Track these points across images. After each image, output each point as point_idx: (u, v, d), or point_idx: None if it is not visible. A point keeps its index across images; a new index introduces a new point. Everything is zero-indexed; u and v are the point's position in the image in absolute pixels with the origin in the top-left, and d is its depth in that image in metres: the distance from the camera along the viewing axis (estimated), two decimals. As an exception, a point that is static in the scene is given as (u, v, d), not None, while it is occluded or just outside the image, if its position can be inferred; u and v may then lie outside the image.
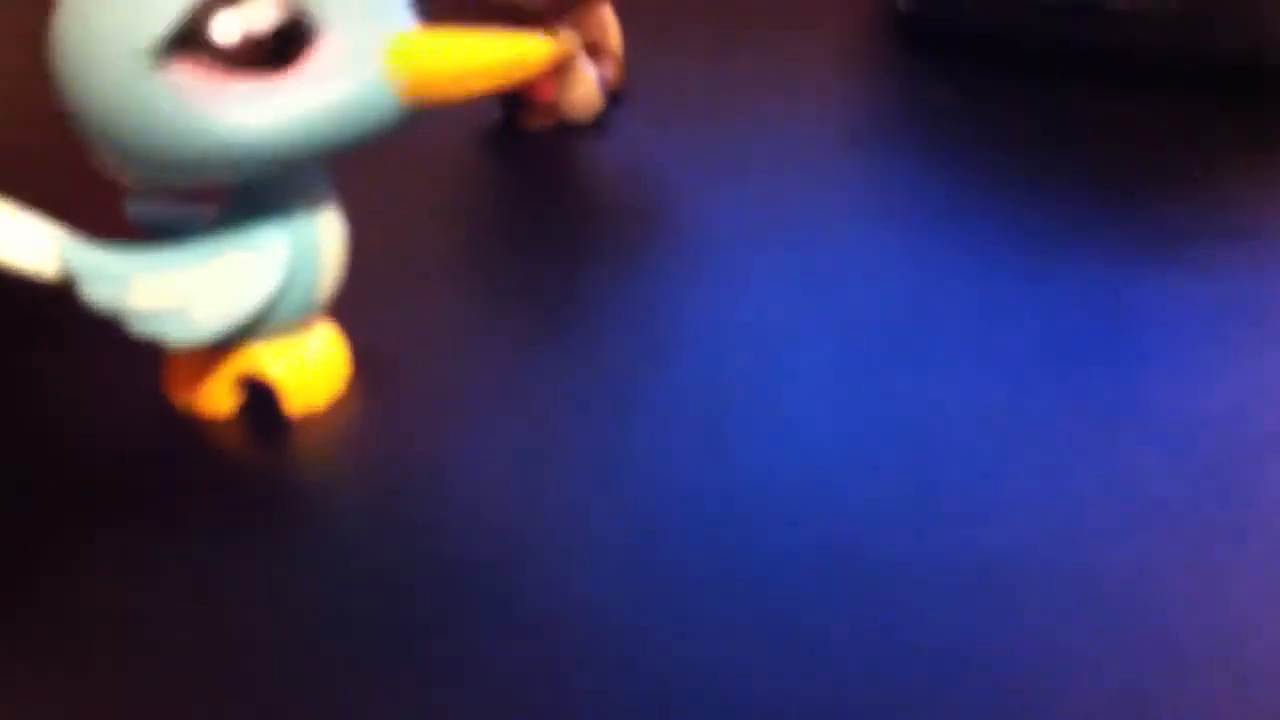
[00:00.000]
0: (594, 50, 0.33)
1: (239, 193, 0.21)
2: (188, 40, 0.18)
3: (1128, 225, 0.28)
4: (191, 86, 0.18)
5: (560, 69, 0.32)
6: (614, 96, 0.34)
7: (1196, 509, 0.20)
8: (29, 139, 0.31)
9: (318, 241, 0.21)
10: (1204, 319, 0.25)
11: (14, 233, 0.21)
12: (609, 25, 0.34)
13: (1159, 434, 0.21)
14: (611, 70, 0.34)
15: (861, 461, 0.21)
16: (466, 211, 0.30)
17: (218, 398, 0.22)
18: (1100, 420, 0.22)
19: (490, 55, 0.19)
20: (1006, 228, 0.28)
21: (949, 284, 0.26)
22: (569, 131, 0.33)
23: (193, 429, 0.22)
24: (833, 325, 0.25)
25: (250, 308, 0.21)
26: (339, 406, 0.23)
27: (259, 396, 0.22)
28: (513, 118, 0.33)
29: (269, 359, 0.22)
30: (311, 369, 0.22)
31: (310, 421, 0.22)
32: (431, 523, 0.20)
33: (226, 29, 0.18)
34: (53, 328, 0.24)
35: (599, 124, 0.33)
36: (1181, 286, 0.26)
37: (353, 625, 0.18)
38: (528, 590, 0.19)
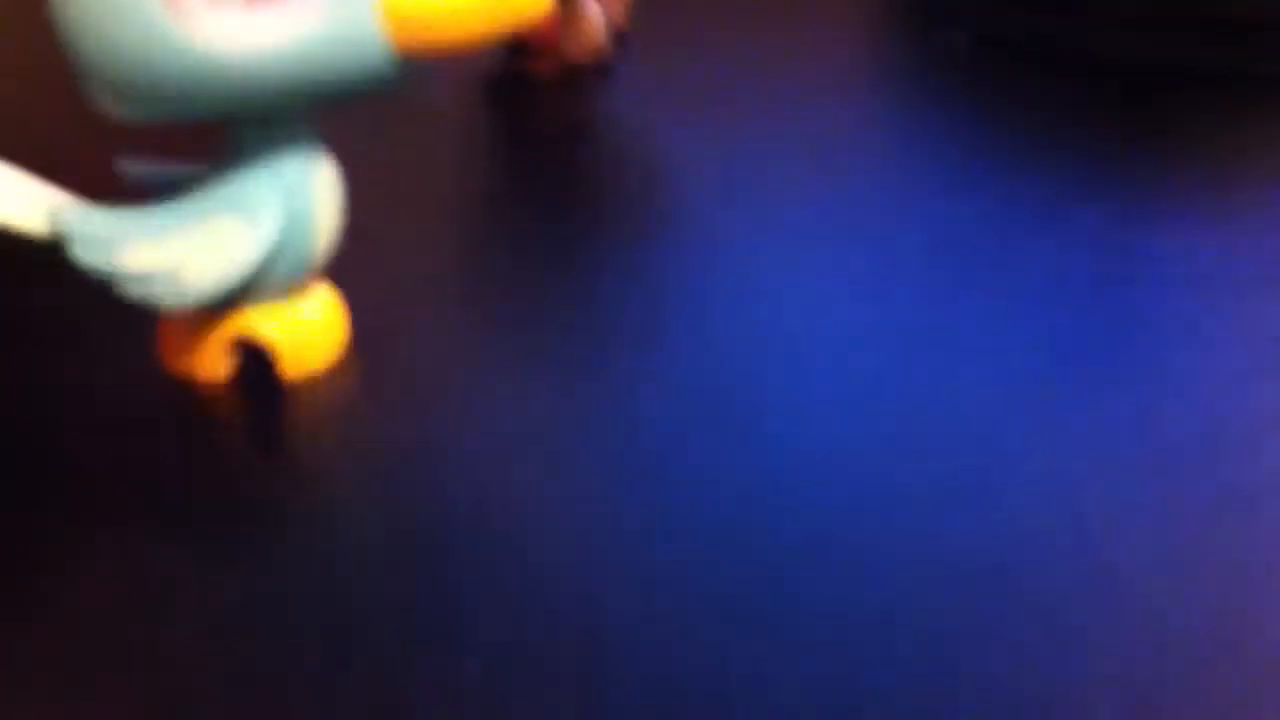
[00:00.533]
0: None
1: (232, 152, 0.20)
2: None
3: (1138, 181, 0.27)
4: (181, 8, 0.18)
5: (563, 8, 0.32)
6: (620, 39, 0.33)
7: (1202, 463, 0.19)
8: (22, 97, 0.31)
9: (312, 203, 0.21)
10: (1217, 268, 0.24)
11: (7, 192, 0.20)
12: None
13: (1174, 393, 0.21)
14: (617, 10, 0.33)
15: (873, 442, 0.20)
16: (466, 170, 0.29)
17: (213, 362, 0.22)
18: (1114, 386, 0.21)
19: (485, 3, 0.18)
20: (1023, 184, 0.27)
21: (961, 255, 0.25)
22: (572, 78, 0.32)
23: (187, 395, 0.22)
24: (844, 295, 0.24)
25: (242, 270, 0.20)
26: (336, 371, 0.22)
27: (255, 360, 0.22)
28: (514, 61, 0.33)
29: (264, 322, 0.21)
30: (308, 333, 0.22)
31: (306, 386, 0.22)
32: (425, 499, 0.20)
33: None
34: (47, 297, 0.24)
35: (604, 69, 0.32)
36: (1187, 238, 0.25)
37: (351, 603, 0.18)
38: (522, 576, 0.18)
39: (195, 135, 0.21)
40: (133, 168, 0.22)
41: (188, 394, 0.22)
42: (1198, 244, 0.25)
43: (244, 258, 0.20)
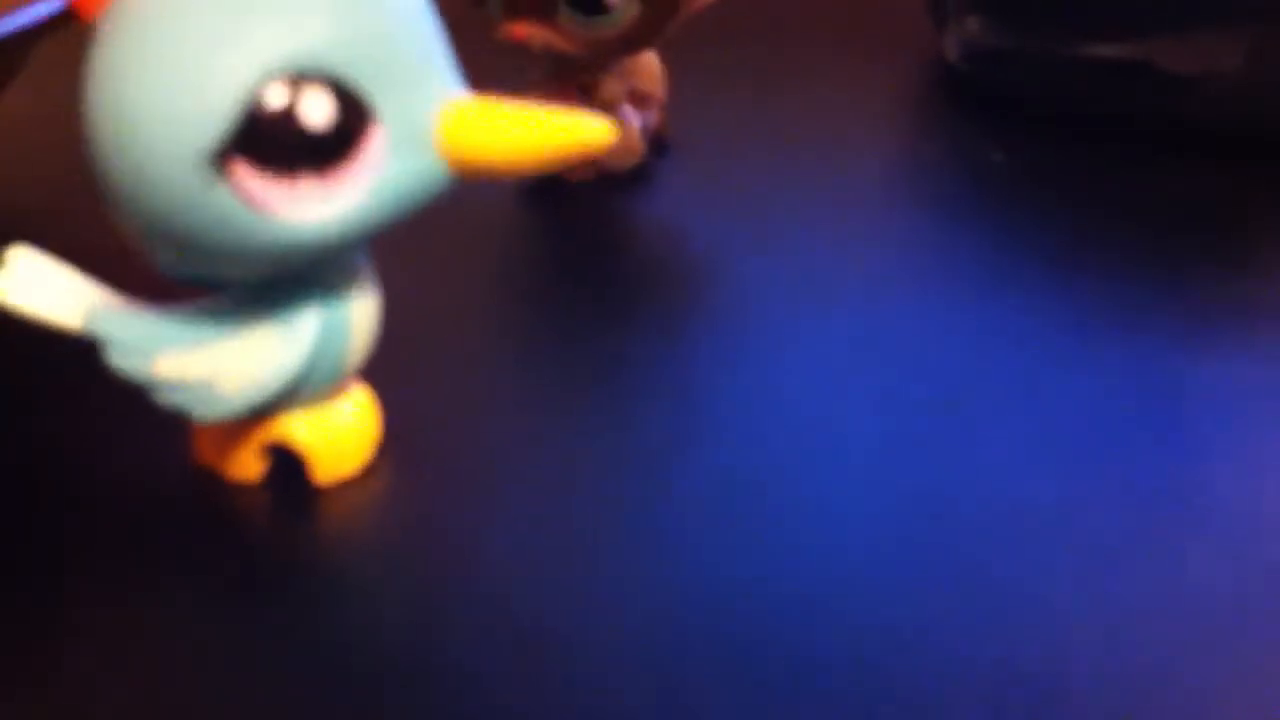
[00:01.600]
0: (638, 98, 0.32)
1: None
2: (246, 139, 0.17)
3: (1185, 303, 0.27)
4: (253, 189, 0.17)
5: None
6: (658, 146, 0.33)
7: (1256, 609, 0.19)
8: (65, 189, 0.30)
9: (349, 314, 0.20)
10: (1265, 405, 0.24)
11: (43, 285, 0.20)
12: (654, 71, 0.32)
13: (1217, 529, 0.21)
14: (656, 118, 0.33)
15: (899, 553, 0.20)
16: (502, 272, 0.29)
17: (245, 463, 0.22)
18: (1154, 513, 0.21)
19: (547, 134, 0.18)
20: (1056, 300, 0.27)
21: (995, 359, 0.25)
22: (609, 183, 0.32)
23: (218, 493, 0.22)
24: (874, 404, 0.24)
25: (277, 385, 0.20)
26: (368, 475, 0.22)
27: (287, 462, 0.22)
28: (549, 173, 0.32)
29: (298, 426, 0.21)
30: (341, 437, 0.22)
31: (338, 490, 0.22)
32: (452, 604, 0.20)
33: (278, 103, 0.17)
34: (79, 384, 0.23)
35: (641, 175, 0.32)
36: (1241, 369, 0.25)
37: (374, 697, 0.18)
38: (544, 683, 0.18)
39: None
40: (168, 264, 0.21)
41: (218, 490, 0.22)
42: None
43: (280, 371, 0.20)
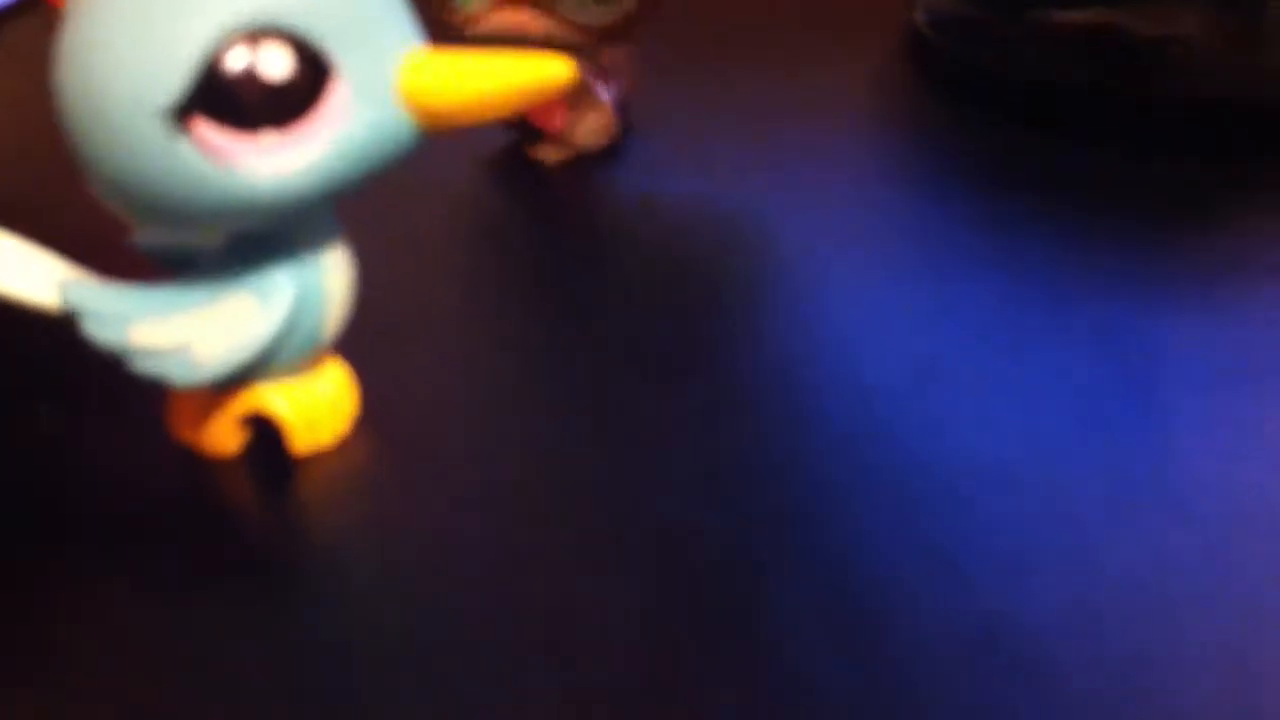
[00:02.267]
0: (608, 73, 0.32)
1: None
2: (206, 95, 0.17)
3: (1151, 268, 0.27)
4: (215, 143, 0.17)
5: (573, 96, 0.32)
6: (626, 118, 0.33)
7: (1221, 574, 0.19)
8: (32, 171, 0.31)
9: (324, 281, 0.21)
10: (1227, 363, 0.24)
11: (17, 267, 0.20)
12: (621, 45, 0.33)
13: (1187, 491, 0.21)
14: (624, 92, 0.33)
15: (874, 527, 0.20)
16: (478, 248, 0.29)
17: (222, 436, 0.22)
18: (1124, 477, 0.21)
19: (507, 76, 0.18)
20: (1024, 270, 0.27)
21: (964, 330, 0.25)
22: (582, 159, 0.32)
23: (196, 467, 0.22)
24: (843, 379, 0.24)
25: (254, 349, 0.20)
26: (345, 447, 0.22)
27: (265, 435, 0.22)
28: (522, 146, 0.32)
29: (275, 397, 0.21)
30: (319, 408, 0.22)
31: (316, 461, 0.22)
32: (431, 577, 0.20)
33: (238, 62, 0.17)
34: (55, 362, 0.23)
35: (612, 151, 0.32)
36: (1206, 331, 0.25)
37: (352, 677, 0.18)
38: (523, 658, 0.18)
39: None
40: (144, 240, 0.21)
41: (196, 465, 0.22)
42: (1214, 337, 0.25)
43: (256, 336, 0.20)
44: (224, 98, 0.17)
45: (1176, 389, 0.23)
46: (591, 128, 0.32)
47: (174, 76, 0.17)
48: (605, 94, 0.32)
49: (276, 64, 0.17)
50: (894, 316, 0.26)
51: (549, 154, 0.32)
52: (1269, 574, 0.19)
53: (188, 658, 0.18)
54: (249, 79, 0.17)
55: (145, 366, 0.20)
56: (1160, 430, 0.22)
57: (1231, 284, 0.26)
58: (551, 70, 0.18)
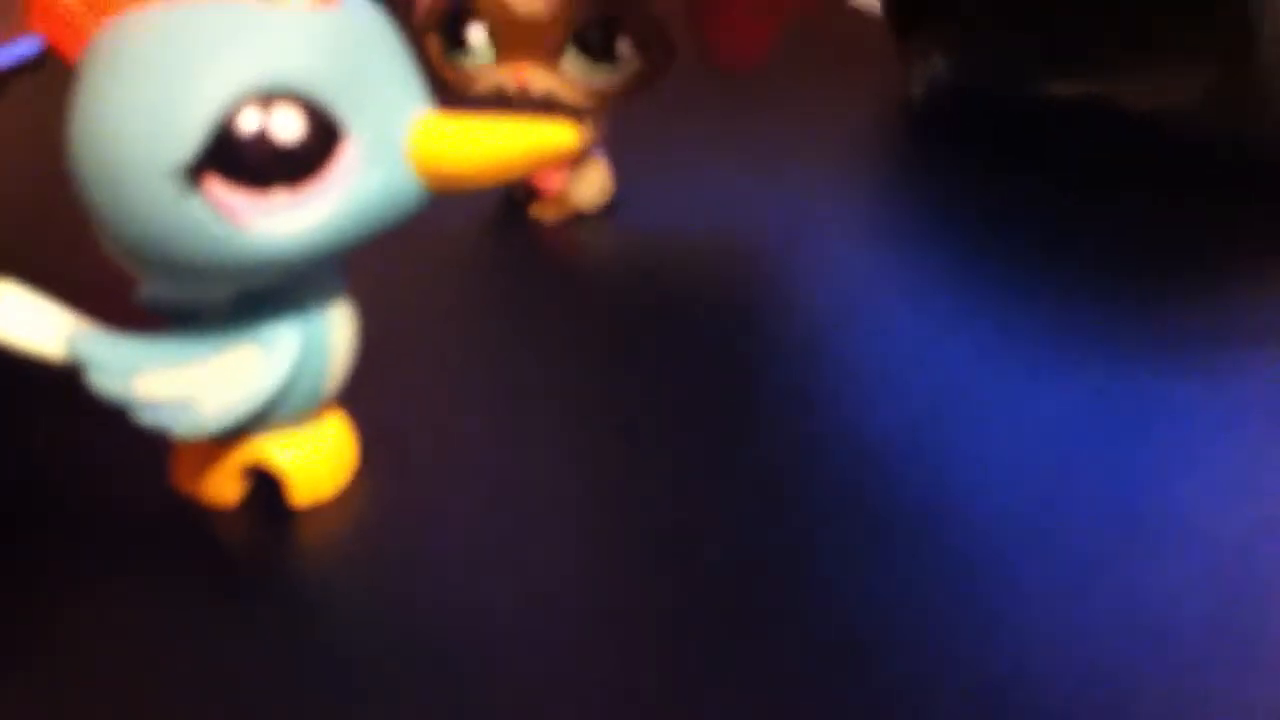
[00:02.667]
0: (608, 134, 0.32)
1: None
2: (218, 155, 0.18)
3: (1150, 328, 0.27)
4: (226, 202, 0.18)
5: (572, 158, 0.32)
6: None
7: (1218, 626, 0.19)
8: (39, 221, 0.31)
9: (328, 334, 0.21)
10: (1228, 421, 0.24)
11: (23, 316, 0.21)
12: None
13: (1179, 551, 0.21)
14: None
15: (871, 578, 0.21)
16: (475, 298, 0.29)
17: (223, 486, 0.22)
18: (1120, 533, 0.21)
19: (514, 142, 0.19)
20: (1024, 328, 0.27)
21: (966, 383, 0.25)
22: (578, 217, 0.33)
23: (196, 516, 0.22)
24: (848, 427, 0.24)
25: (257, 402, 0.20)
26: (345, 498, 0.22)
27: (265, 485, 0.22)
28: (519, 205, 0.33)
29: (276, 448, 0.22)
30: (319, 459, 0.22)
31: (315, 512, 0.22)
32: (429, 628, 0.20)
33: (250, 123, 0.18)
34: (58, 406, 0.23)
35: (609, 207, 0.33)
36: (1206, 392, 0.25)
37: (353, 678, 0.18)
38: (527, 701, 0.18)
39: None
40: (150, 293, 0.22)
41: (196, 514, 0.22)
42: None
43: (260, 388, 0.20)
44: (236, 158, 0.18)
45: (1169, 445, 0.24)
46: (590, 188, 0.32)
47: (187, 136, 0.17)
48: (603, 156, 0.32)
49: (288, 125, 0.18)
50: (891, 363, 0.26)
51: (547, 213, 0.32)
52: (1262, 624, 0.19)
53: (188, 664, 0.19)
54: (261, 140, 0.18)
55: (148, 417, 0.20)
56: (1156, 484, 0.23)
57: (1229, 344, 0.27)
58: (558, 137, 0.18)
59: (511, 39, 0.29)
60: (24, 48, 0.27)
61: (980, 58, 0.37)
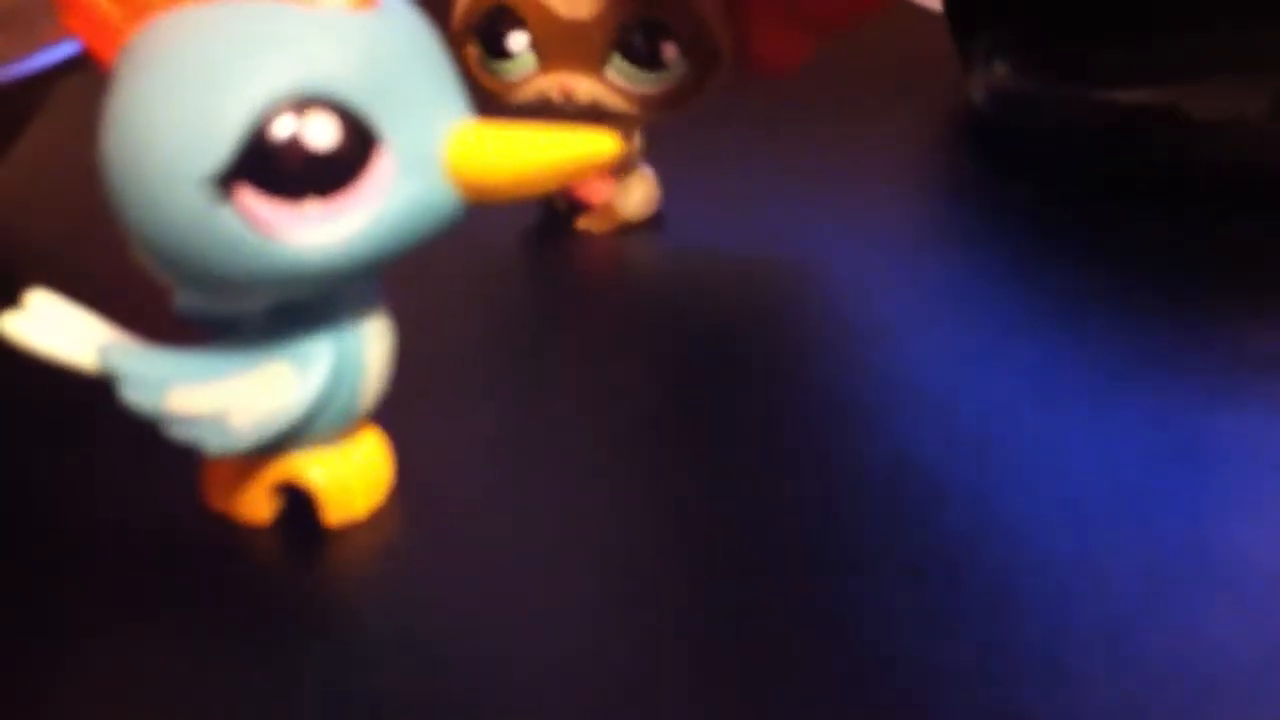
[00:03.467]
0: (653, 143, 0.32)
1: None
2: (251, 163, 0.17)
3: (1206, 355, 0.26)
4: (258, 212, 0.17)
5: (618, 168, 0.31)
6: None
7: (1275, 667, 0.18)
8: (75, 230, 0.31)
9: (363, 350, 0.20)
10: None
11: (56, 326, 0.20)
12: None
13: (1235, 588, 0.20)
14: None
15: (911, 610, 0.20)
16: (515, 313, 0.29)
17: (256, 503, 0.21)
18: (1170, 571, 0.20)
19: (554, 152, 0.18)
20: (1078, 349, 0.26)
21: (1014, 408, 0.24)
22: (624, 229, 0.32)
23: (227, 535, 0.21)
24: (890, 453, 0.23)
25: (290, 418, 0.20)
26: (379, 518, 0.22)
27: (298, 503, 0.21)
28: (562, 217, 0.32)
29: (310, 466, 0.21)
30: (353, 478, 0.21)
31: (349, 532, 0.21)
32: (463, 651, 0.19)
33: (284, 130, 0.17)
34: (88, 424, 0.23)
35: (654, 218, 0.32)
36: (1261, 424, 0.24)
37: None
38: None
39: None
40: (183, 304, 0.21)
41: (228, 532, 0.21)
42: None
43: (293, 404, 0.20)
44: (269, 166, 0.17)
45: (1226, 478, 0.22)
46: (637, 200, 0.31)
47: (219, 144, 0.17)
48: (649, 167, 0.32)
49: (322, 133, 0.17)
50: (938, 383, 0.25)
51: (592, 225, 0.32)
52: None
53: (206, 710, 0.18)
54: (294, 148, 0.17)
55: (180, 433, 0.20)
56: (1206, 519, 0.21)
57: None
58: (599, 146, 0.18)
59: (554, 45, 0.29)
60: (66, 49, 0.26)
61: (1044, 63, 0.36)
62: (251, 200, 0.17)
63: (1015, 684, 0.18)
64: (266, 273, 0.18)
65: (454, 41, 0.29)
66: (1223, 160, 0.32)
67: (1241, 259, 0.30)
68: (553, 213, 0.32)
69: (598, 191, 0.31)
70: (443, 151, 0.18)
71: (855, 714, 0.18)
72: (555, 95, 0.29)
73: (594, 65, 0.29)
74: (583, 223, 0.32)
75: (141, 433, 0.20)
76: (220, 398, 0.20)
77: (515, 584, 0.20)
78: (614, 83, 0.29)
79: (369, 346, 0.20)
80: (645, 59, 0.28)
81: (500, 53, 0.29)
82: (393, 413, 0.22)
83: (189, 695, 0.18)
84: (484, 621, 0.20)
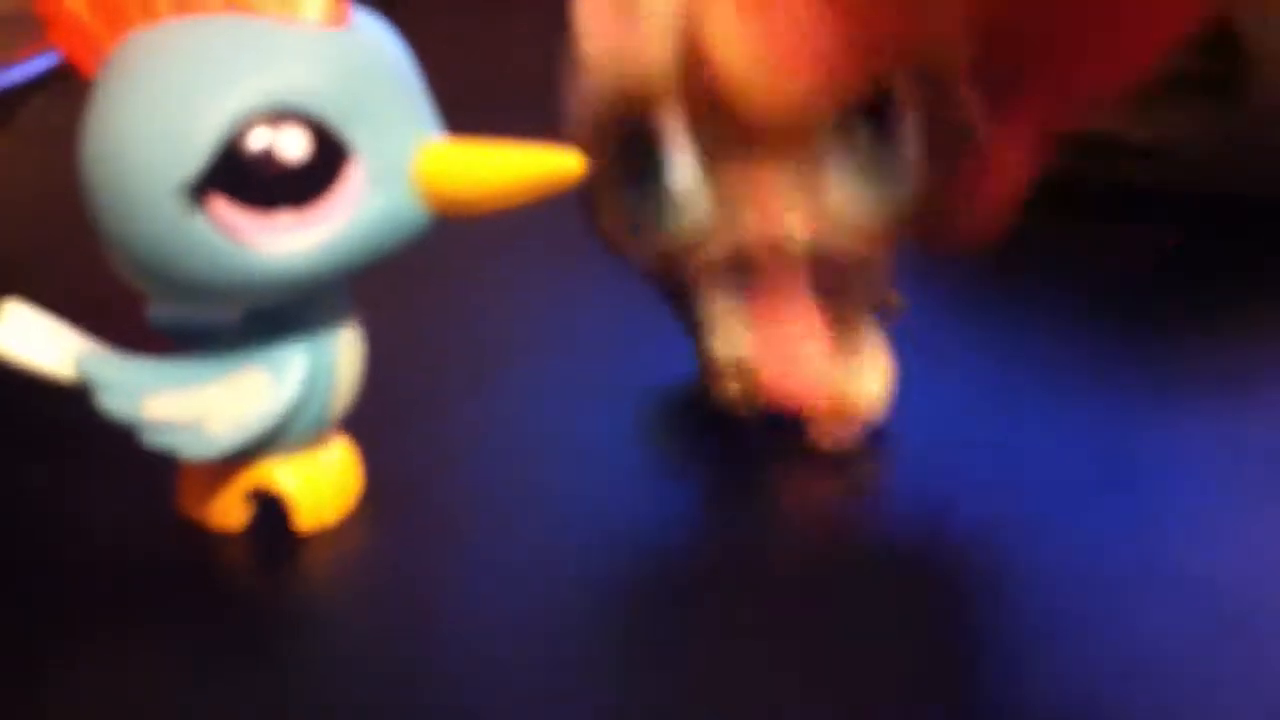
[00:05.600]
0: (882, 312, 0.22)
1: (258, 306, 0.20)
2: (225, 174, 0.18)
3: (1143, 368, 0.27)
4: (232, 221, 0.18)
5: (842, 344, 0.21)
6: None
7: (1205, 670, 0.19)
8: (49, 241, 0.31)
9: (336, 358, 0.21)
10: (1218, 471, 0.23)
11: (33, 336, 0.21)
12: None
13: (1168, 592, 0.20)
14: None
15: (853, 616, 0.20)
16: (483, 325, 0.29)
17: (228, 510, 0.22)
18: (1110, 575, 0.21)
19: (520, 168, 0.19)
20: (1015, 369, 0.27)
21: (960, 420, 0.25)
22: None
23: (199, 543, 0.22)
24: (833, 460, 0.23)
25: (265, 424, 0.20)
26: (350, 525, 0.22)
27: (270, 510, 0.22)
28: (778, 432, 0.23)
29: (281, 473, 0.21)
30: (324, 485, 0.22)
31: (320, 538, 0.22)
32: (434, 655, 0.19)
33: (258, 142, 0.18)
34: (61, 430, 0.23)
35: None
36: (1196, 435, 0.24)
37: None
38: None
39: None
40: (158, 314, 0.22)
41: (199, 540, 0.22)
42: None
43: (268, 411, 0.20)
44: (242, 177, 0.18)
45: (1171, 490, 0.23)
46: (873, 391, 0.22)
47: (194, 154, 0.17)
48: (885, 347, 0.22)
49: (294, 146, 0.18)
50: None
51: (825, 437, 0.22)
52: (1264, 681, 0.19)
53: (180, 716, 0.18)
54: (268, 159, 0.18)
55: (157, 440, 0.20)
56: (1151, 531, 0.22)
57: (1226, 394, 0.26)
58: (565, 163, 0.18)
59: (740, 160, 0.19)
60: (43, 62, 0.27)
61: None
62: (225, 209, 0.18)
63: (954, 682, 0.19)
64: (240, 280, 0.18)
65: (584, 193, 0.20)
66: (1159, 183, 0.33)
67: (1177, 279, 0.30)
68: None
69: (814, 390, 0.21)
70: (412, 166, 0.19)
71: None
72: (759, 242, 0.19)
73: (805, 184, 0.19)
74: (814, 437, 0.22)
75: (111, 444, 0.20)
76: (197, 404, 0.20)
77: (486, 586, 0.21)
78: (839, 206, 0.19)
79: (342, 354, 0.21)
80: (878, 156, 0.19)
81: (649, 191, 0.19)
82: (362, 420, 0.22)
83: (161, 703, 0.19)
84: (456, 623, 0.20)
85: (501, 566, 0.21)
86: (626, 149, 0.19)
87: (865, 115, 0.18)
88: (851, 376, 0.21)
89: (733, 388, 0.21)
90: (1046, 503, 0.23)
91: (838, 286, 0.20)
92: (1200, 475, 0.23)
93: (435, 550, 0.22)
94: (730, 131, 0.18)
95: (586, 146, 0.18)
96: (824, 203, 0.19)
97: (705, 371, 0.22)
